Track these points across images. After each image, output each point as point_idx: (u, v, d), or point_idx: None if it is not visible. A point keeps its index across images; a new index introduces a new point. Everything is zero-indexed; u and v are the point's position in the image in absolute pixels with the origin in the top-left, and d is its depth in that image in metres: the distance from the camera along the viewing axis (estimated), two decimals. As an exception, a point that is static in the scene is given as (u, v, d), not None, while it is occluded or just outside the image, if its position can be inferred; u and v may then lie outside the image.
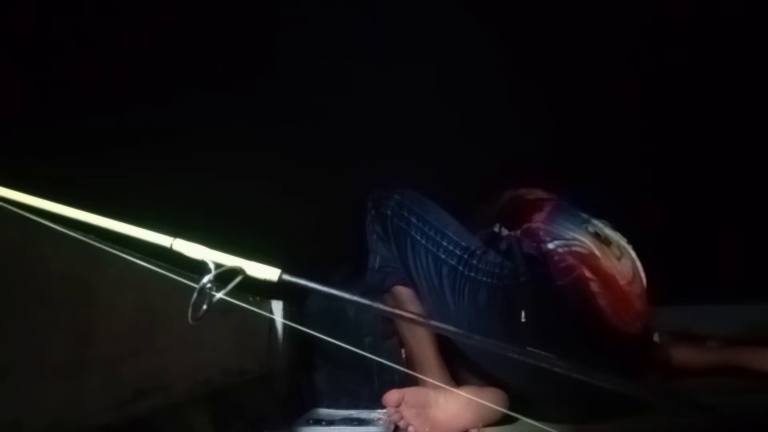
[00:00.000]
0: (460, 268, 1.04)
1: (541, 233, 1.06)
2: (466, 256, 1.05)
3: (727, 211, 1.59)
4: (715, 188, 1.62)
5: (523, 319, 0.97)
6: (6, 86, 1.03)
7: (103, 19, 1.23)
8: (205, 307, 0.42)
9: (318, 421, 1.06)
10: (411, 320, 0.46)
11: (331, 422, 1.05)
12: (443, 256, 1.07)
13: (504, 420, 1.01)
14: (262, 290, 0.71)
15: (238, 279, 0.44)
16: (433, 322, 0.55)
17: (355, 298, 0.45)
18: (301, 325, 0.55)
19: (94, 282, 0.56)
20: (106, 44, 1.24)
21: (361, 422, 1.05)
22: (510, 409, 0.97)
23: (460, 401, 0.99)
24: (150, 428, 0.67)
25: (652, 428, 0.99)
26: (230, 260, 0.44)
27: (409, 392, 0.98)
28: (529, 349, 0.44)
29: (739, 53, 1.53)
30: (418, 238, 1.10)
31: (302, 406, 1.19)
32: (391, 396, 0.97)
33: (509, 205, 1.25)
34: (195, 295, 0.42)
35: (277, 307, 1.18)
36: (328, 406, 1.22)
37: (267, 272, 0.44)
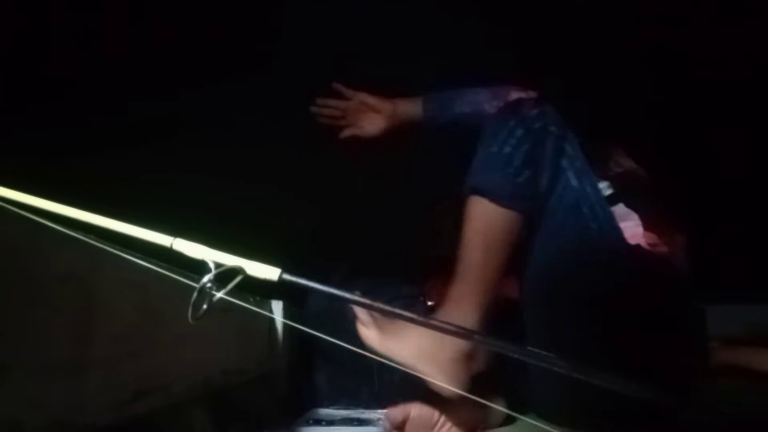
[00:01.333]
0: (601, 243, 0.95)
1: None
2: (614, 235, 0.96)
3: (728, 210, 1.59)
4: (715, 188, 1.62)
5: (599, 325, 0.91)
6: (5, 86, 1.03)
7: (104, 18, 1.23)
8: (205, 306, 0.42)
9: (318, 421, 1.05)
10: (410, 319, 0.46)
11: (331, 422, 1.05)
12: (588, 213, 0.96)
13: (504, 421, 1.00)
14: (262, 290, 0.71)
15: (238, 278, 0.44)
16: (433, 321, 0.55)
17: (355, 297, 0.45)
18: (301, 325, 0.55)
19: (94, 282, 0.56)
20: (106, 43, 1.23)
21: (361, 422, 1.05)
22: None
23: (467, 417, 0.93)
24: (150, 428, 0.67)
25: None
26: (230, 260, 0.44)
27: (415, 410, 0.91)
28: (529, 348, 0.44)
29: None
30: (574, 183, 0.96)
31: (302, 406, 1.19)
32: (395, 415, 0.91)
33: (635, 183, 1.14)
34: (195, 294, 0.42)
35: (277, 307, 1.18)
36: (328, 406, 1.22)
37: (267, 272, 0.44)
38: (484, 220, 0.92)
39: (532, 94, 1.07)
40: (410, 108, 1.20)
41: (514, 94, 1.07)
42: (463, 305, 0.89)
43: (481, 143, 0.97)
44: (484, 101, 1.11)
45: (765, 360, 1.19)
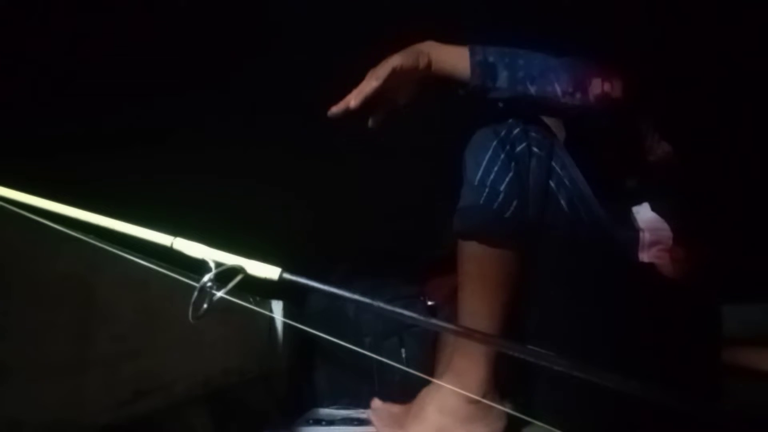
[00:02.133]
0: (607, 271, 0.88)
1: None
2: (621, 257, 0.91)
3: (727, 210, 1.59)
4: (714, 187, 1.62)
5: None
6: (5, 86, 1.03)
7: (101, 18, 1.23)
8: (205, 306, 0.42)
9: (318, 421, 1.06)
10: (411, 318, 0.46)
11: (331, 422, 1.05)
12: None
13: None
14: (262, 290, 0.71)
15: (238, 278, 0.44)
16: (433, 321, 0.55)
17: (356, 297, 0.45)
18: (301, 324, 0.55)
19: (94, 282, 0.56)
20: (104, 43, 1.24)
21: (361, 422, 1.05)
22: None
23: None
24: (150, 428, 0.67)
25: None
26: (230, 259, 0.44)
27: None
28: (530, 347, 0.44)
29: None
30: (564, 207, 0.87)
31: (302, 406, 1.19)
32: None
33: (669, 177, 0.97)
34: (195, 294, 0.42)
35: (277, 307, 1.18)
36: (328, 406, 1.22)
37: (267, 271, 0.44)
38: (477, 262, 0.84)
39: (617, 85, 0.85)
40: (452, 63, 0.87)
41: (595, 85, 0.85)
42: (471, 370, 0.84)
43: (464, 169, 0.87)
44: (557, 83, 0.86)
45: (765, 360, 1.19)
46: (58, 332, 0.50)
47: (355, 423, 1.05)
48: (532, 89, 0.85)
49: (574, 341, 0.84)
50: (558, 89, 0.85)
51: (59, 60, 1.17)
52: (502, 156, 0.84)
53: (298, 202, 1.49)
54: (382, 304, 0.45)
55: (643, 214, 0.96)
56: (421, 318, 0.47)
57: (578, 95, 0.85)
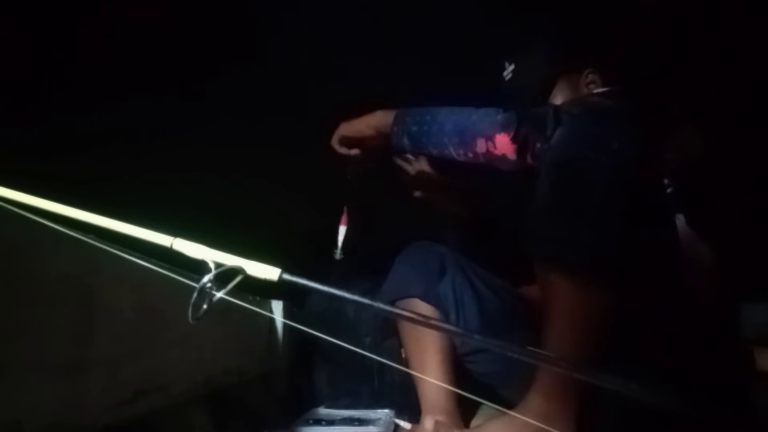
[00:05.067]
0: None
1: None
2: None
3: (726, 210, 1.58)
4: (714, 186, 1.62)
5: None
6: (5, 86, 1.03)
7: (100, 18, 1.23)
8: (205, 306, 0.42)
9: (318, 421, 1.05)
10: (410, 319, 0.46)
11: (331, 422, 1.05)
12: None
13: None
14: (262, 290, 0.71)
15: (238, 278, 0.44)
16: (433, 322, 0.55)
17: (355, 298, 0.45)
18: (301, 325, 0.55)
19: (94, 282, 0.56)
20: (104, 43, 1.24)
21: (361, 422, 1.05)
22: None
23: None
24: (150, 428, 0.67)
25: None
26: (230, 260, 0.44)
27: None
28: (529, 348, 0.44)
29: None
30: None
31: (302, 406, 1.19)
32: None
33: (706, 183, 0.96)
34: (195, 294, 0.42)
35: (277, 307, 1.18)
36: (328, 406, 1.22)
37: (267, 272, 0.44)
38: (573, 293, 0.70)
39: (511, 145, 0.79)
40: (384, 128, 0.97)
41: (481, 145, 0.82)
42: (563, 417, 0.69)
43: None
44: (451, 145, 0.86)
45: (765, 360, 1.19)
46: (58, 332, 0.50)
47: (355, 423, 1.05)
48: (434, 150, 0.91)
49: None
50: (452, 150, 0.88)
51: (59, 60, 1.17)
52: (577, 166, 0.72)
53: (299, 203, 1.49)
54: (381, 305, 0.45)
55: (680, 227, 0.87)
56: (421, 319, 0.47)
57: (462, 151, 0.86)
